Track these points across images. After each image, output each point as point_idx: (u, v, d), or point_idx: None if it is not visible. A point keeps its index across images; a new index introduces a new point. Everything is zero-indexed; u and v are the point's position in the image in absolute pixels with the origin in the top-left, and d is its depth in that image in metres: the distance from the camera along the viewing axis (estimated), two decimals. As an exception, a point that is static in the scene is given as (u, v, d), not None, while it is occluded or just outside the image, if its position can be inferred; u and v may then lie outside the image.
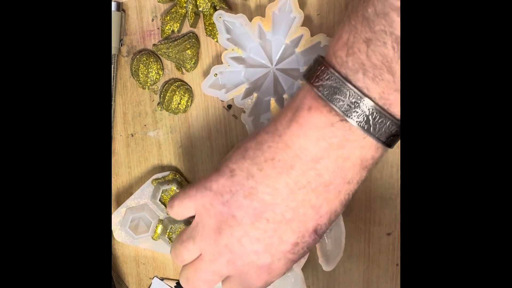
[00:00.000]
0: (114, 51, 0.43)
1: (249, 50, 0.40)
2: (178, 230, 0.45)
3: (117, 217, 0.45)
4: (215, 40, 0.41)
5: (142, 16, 0.43)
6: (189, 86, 0.43)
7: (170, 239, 0.45)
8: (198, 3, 0.40)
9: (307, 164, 0.29)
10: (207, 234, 0.31)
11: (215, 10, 0.40)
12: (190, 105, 0.43)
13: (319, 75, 0.29)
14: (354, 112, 0.27)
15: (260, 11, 0.40)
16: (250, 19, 0.39)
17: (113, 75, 0.44)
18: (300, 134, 0.29)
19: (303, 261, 0.41)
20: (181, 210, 0.33)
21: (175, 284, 0.48)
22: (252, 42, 0.39)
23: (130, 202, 0.45)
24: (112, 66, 0.44)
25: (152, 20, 0.43)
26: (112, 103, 0.45)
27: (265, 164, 0.30)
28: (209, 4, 0.40)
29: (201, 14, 0.41)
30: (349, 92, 0.27)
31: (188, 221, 0.45)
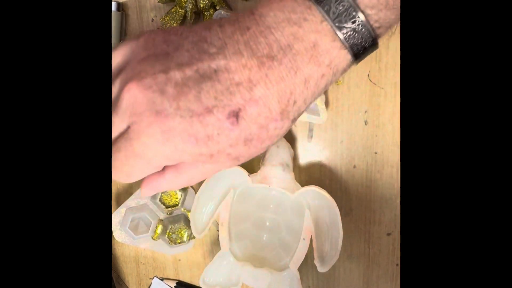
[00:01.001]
0: (114, 51, 0.43)
1: (249, 50, 0.40)
2: (178, 230, 0.45)
3: (117, 217, 0.45)
4: (215, 40, 0.41)
5: (142, 16, 0.43)
6: (189, 86, 0.43)
7: (170, 239, 0.45)
8: (198, 3, 0.40)
9: (260, 31, 0.27)
10: (133, 61, 0.29)
11: (215, 10, 0.40)
12: (190, 105, 0.43)
13: None
14: None
15: (260, 11, 0.40)
16: (250, 19, 0.39)
17: (113, 75, 0.44)
18: (264, 4, 0.28)
19: (298, 262, 0.41)
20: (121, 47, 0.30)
21: (175, 284, 0.48)
22: (252, 42, 0.39)
23: (130, 202, 0.45)
24: (112, 66, 0.44)
25: (152, 20, 0.43)
26: (112, 103, 0.45)
27: (227, 22, 0.29)
28: (209, 4, 0.40)
29: (201, 14, 0.41)
30: None
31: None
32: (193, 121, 0.27)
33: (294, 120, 0.29)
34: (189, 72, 0.27)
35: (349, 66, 0.28)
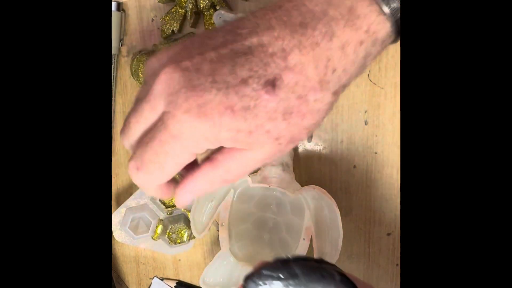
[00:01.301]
0: (114, 51, 0.43)
1: (249, 50, 0.40)
2: (178, 230, 0.45)
3: (117, 217, 0.45)
4: (215, 40, 0.41)
5: (142, 16, 0.43)
6: (189, 86, 0.43)
7: (170, 239, 0.45)
8: (198, 3, 0.40)
9: (293, 5, 0.27)
10: (169, 53, 0.29)
11: (215, 10, 0.40)
12: (190, 105, 0.43)
13: None
14: None
15: (260, 11, 0.40)
16: (250, 19, 0.39)
17: (113, 75, 0.44)
18: None
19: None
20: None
21: (175, 284, 0.48)
22: (252, 42, 0.39)
23: (130, 202, 0.45)
24: (112, 66, 0.44)
25: (152, 20, 0.43)
26: (112, 103, 0.45)
27: (259, 9, 0.29)
28: (209, 4, 0.40)
29: (201, 14, 0.41)
30: None
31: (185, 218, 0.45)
32: (229, 93, 0.27)
33: (335, 93, 0.28)
34: (223, 51, 0.27)
35: (389, 37, 0.27)
